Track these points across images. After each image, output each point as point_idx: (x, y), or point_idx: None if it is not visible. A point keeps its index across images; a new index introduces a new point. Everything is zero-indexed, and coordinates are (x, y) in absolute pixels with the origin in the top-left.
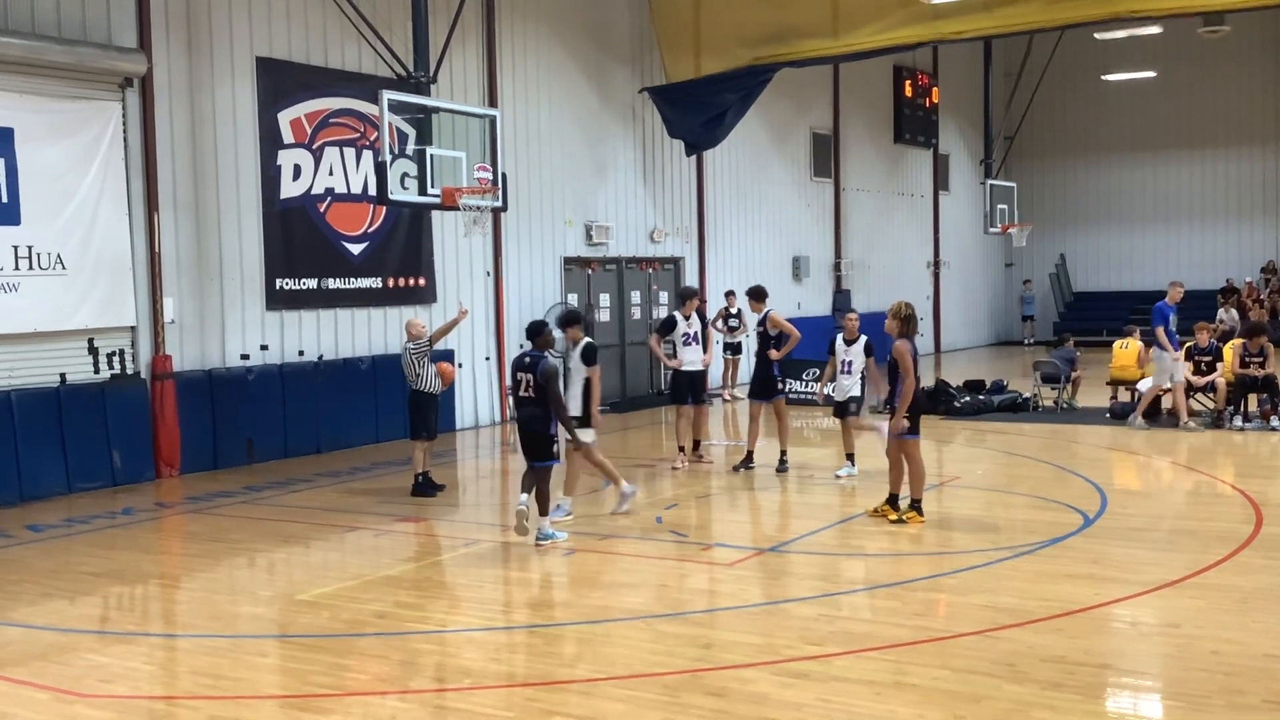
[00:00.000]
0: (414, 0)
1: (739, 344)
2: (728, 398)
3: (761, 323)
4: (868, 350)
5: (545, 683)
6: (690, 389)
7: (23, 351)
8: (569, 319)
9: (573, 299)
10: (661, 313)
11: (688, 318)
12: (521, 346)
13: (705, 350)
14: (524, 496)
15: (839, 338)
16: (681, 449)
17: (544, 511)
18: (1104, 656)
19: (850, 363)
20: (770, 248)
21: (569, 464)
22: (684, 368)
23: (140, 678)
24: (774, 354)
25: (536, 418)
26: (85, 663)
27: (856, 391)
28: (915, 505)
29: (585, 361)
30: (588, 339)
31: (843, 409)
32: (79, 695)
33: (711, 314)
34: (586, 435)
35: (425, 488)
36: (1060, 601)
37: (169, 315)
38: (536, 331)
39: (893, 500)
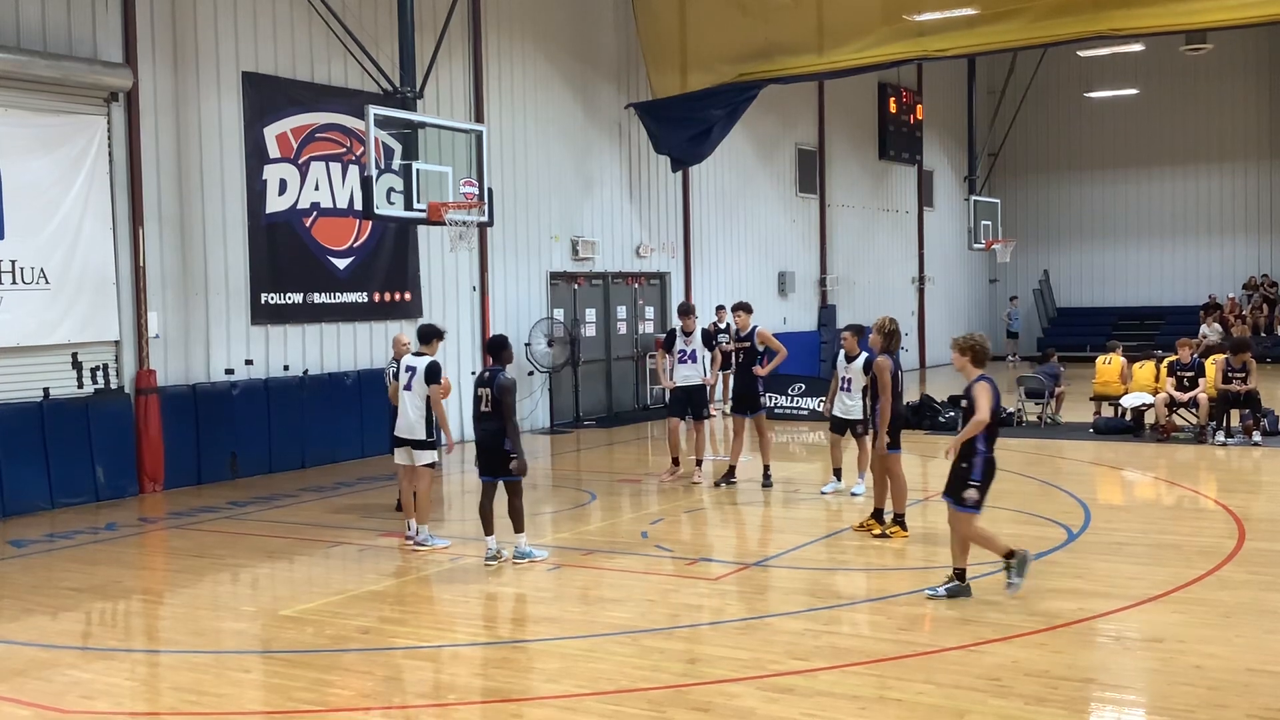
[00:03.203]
0: (400, 16)
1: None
2: (712, 412)
3: (749, 336)
4: (866, 368)
5: (529, 698)
6: (688, 404)
7: (6, 366)
8: (430, 334)
9: (559, 314)
10: (648, 328)
11: (688, 334)
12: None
13: (711, 366)
14: (491, 541)
15: (841, 354)
16: (675, 461)
17: (519, 528)
18: (1088, 671)
19: (850, 380)
20: (756, 263)
21: (418, 488)
22: (678, 384)
23: (122, 694)
24: (760, 369)
25: (494, 433)
26: (67, 679)
27: (859, 413)
28: (898, 520)
29: (428, 379)
30: (433, 358)
31: (841, 426)
32: (61, 711)
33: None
34: (426, 457)
35: None
36: (1044, 616)
37: (153, 330)
38: (499, 347)
39: (878, 515)
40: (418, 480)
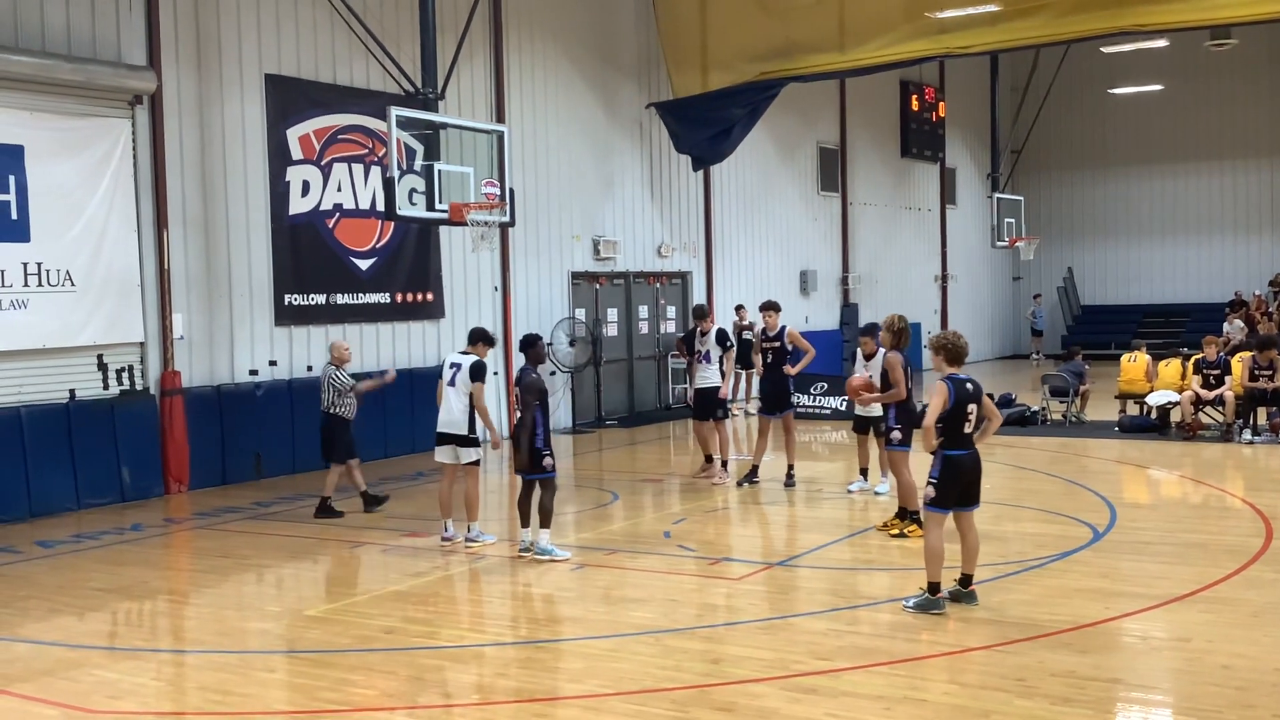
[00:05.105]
0: (422, 17)
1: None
2: (736, 412)
3: (778, 336)
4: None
5: (553, 698)
6: (702, 406)
7: (32, 368)
8: (477, 337)
9: (580, 314)
10: (670, 327)
11: (704, 334)
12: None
13: (725, 368)
14: (525, 534)
15: (858, 353)
16: (721, 461)
17: (544, 525)
18: (1114, 671)
19: (870, 378)
20: (778, 262)
21: (466, 486)
22: (697, 386)
23: (148, 694)
24: (790, 369)
25: (524, 430)
26: (93, 679)
27: (879, 410)
28: (914, 517)
29: (472, 377)
30: (477, 357)
31: (864, 425)
32: (87, 711)
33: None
34: (470, 454)
35: (328, 511)
36: (1070, 615)
37: (178, 331)
38: (529, 344)
39: (902, 514)
40: (467, 478)
